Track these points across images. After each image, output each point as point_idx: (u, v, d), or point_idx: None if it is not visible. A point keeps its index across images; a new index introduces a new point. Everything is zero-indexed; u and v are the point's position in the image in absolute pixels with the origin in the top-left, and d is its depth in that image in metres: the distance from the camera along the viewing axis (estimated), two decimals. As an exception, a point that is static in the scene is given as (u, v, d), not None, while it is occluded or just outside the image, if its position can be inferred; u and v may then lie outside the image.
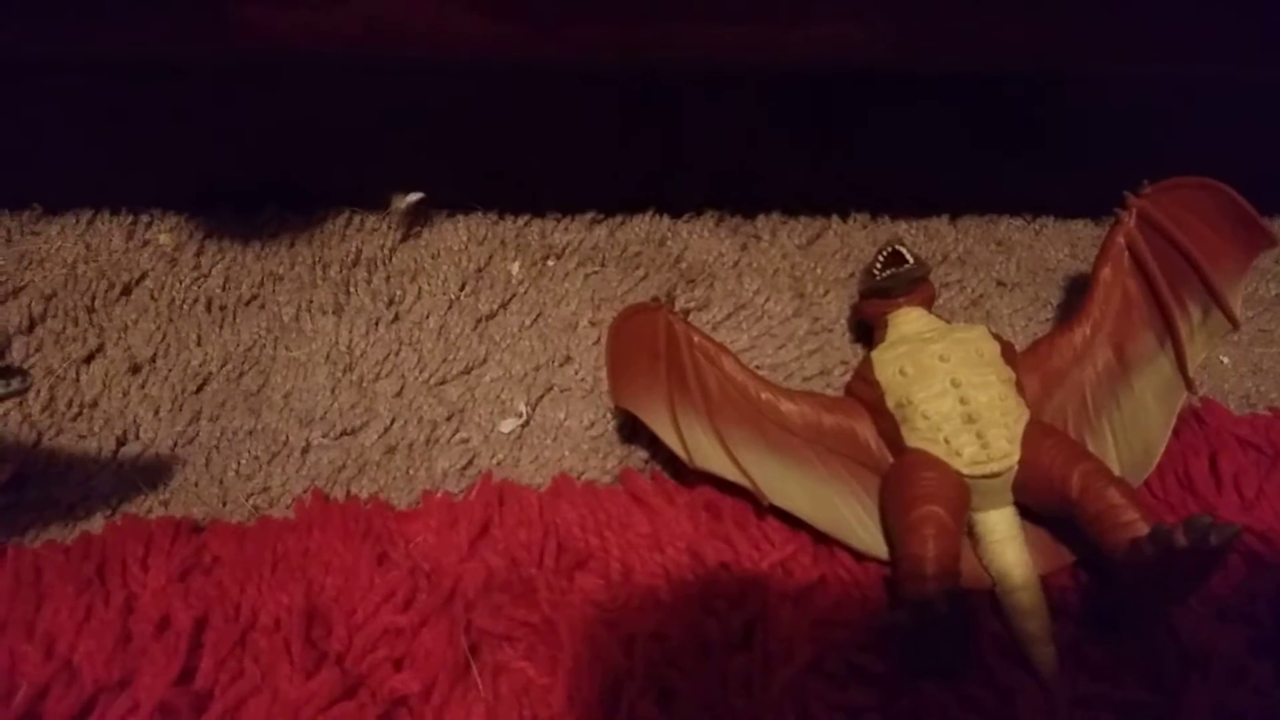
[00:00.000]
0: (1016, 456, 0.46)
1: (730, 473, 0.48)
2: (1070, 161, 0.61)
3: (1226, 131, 0.58)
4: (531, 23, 0.52)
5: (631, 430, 0.53)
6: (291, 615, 0.45)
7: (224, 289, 0.58)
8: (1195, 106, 0.58)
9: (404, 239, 0.61)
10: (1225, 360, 0.58)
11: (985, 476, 0.46)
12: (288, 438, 0.53)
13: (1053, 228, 0.64)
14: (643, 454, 0.53)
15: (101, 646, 0.43)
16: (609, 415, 0.54)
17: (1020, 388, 0.49)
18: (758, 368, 0.56)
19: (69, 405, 0.53)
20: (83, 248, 0.59)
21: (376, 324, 0.57)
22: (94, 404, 0.54)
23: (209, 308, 0.58)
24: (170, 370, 0.55)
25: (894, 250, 0.53)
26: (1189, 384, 0.48)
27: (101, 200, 0.61)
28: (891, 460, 0.49)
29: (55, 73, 0.53)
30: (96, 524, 0.49)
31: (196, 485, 0.51)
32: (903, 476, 0.47)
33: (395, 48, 0.52)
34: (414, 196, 0.59)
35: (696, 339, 0.52)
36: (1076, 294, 0.59)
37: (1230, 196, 0.49)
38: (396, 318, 0.58)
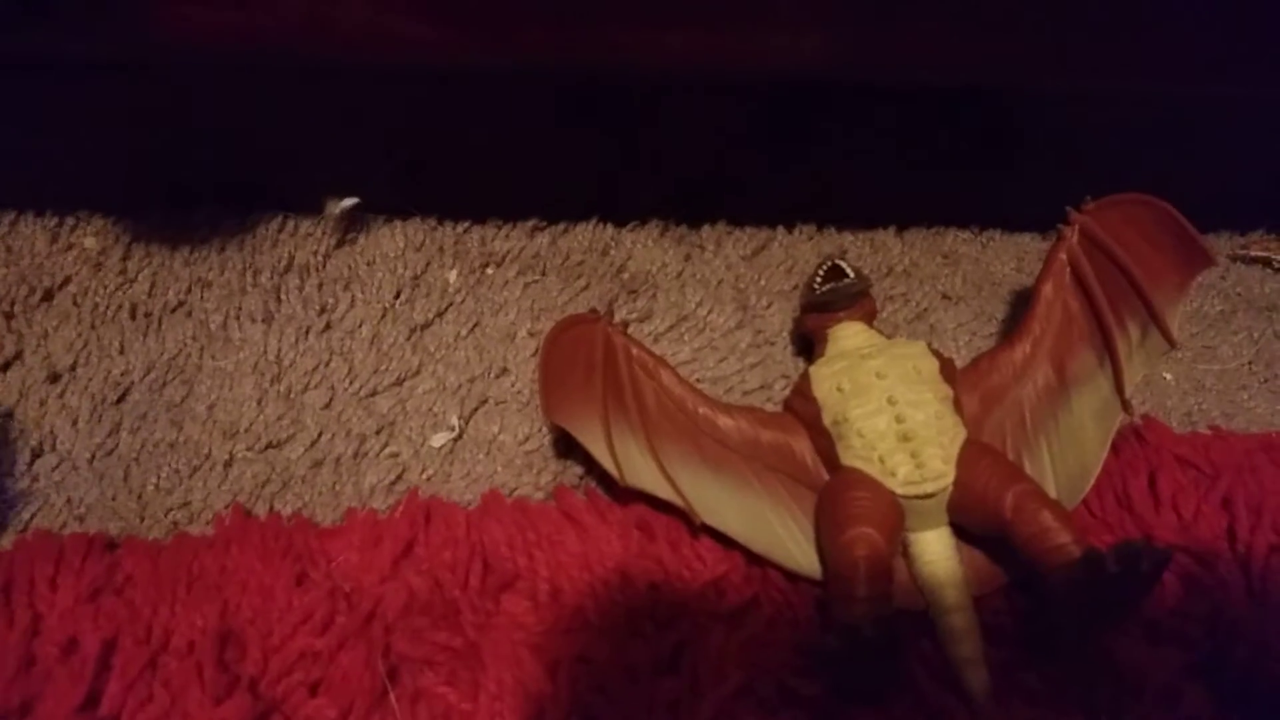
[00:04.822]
0: (951, 477, 0.46)
1: (663, 491, 0.47)
2: (1018, 175, 0.61)
3: (1171, 148, 0.58)
4: (474, 27, 0.50)
5: (567, 445, 0.52)
6: (205, 637, 0.43)
7: (150, 295, 0.56)
8: (1142, 123, 0.57)
9: (338, 245, 0.59)
10: (1168, 377, 0.58)
11: (920, 497, 0.45)
12: (210, 450, 0.51)
13: (999, 241, 0.64)
14: (578, 470, 0.52)
15: (2, 671, 0.41)
16: (544, 430, 0.53)
17: (958, 405, 0.48)
18: (698, 381, 0.55)
19: (-18, 415, 0.51)
20: (3, 250, 0.57)
21: (307, 333, 0.55)
22: (9, 414, 0.52)
23: (133, 314, 0.56)
24: (90, 379, 0.53)
25: (834, 264, 0.52)
26: (1125, 405, 0.48)
27: (24, 202, 0.58)
28: (828, 478, 0.48)
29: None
30: (6, 540, 0.47)
31: (114, 500, 0.49)
32: (836, 496, 0.46)
33: (330, 50, 0.51)
34: (349, 201, 0.58)
35: (635, 352, 0.50)
36: (1021, 308, 0.58)
37: (1171, 215, 0.49)
38: (328, 326, 0.56)
